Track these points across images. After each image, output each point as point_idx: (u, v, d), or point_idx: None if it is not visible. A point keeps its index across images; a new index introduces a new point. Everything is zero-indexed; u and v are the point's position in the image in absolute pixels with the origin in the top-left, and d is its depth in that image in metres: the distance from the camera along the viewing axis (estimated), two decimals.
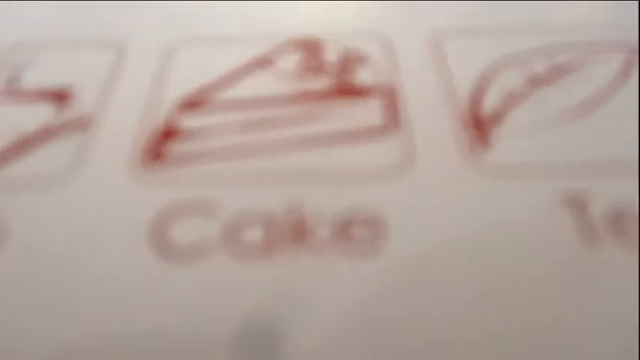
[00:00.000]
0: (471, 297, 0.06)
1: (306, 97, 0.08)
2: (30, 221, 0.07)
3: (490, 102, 0.08)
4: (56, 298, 0.06)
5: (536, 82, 0.08)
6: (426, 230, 0.07)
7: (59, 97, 0.08)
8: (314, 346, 0.06)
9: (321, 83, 0.08)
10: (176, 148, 0.08)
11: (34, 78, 0.09)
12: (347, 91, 0.08)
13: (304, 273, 0.06)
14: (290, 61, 0.09)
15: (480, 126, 0.08)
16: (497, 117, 0.08)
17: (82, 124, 0.08)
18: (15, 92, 0.08)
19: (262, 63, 0.09)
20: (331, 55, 0.09)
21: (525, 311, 0.06)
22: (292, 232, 0.07)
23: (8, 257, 0.07)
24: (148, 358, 0.06)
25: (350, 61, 0.09)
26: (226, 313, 0.06)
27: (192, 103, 0.08)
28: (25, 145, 0.08)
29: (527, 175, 0.07)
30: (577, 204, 0.07)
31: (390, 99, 0.08)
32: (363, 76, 0.09)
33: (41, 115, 0.08)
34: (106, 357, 0.06)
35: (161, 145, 0.08)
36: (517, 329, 0.06)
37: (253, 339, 0.06)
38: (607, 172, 0.07)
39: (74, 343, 0.06)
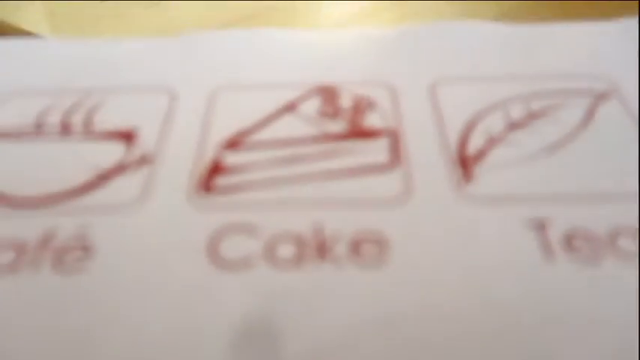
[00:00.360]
0: (458, 297, 0.08)
1: (325, 138, 0.10)
2: (110, 240, 0.09)
3: (474, 143, 0.10)
4: (135, 301, 0.08)
5: (513, 126, 0.10)
6: (422, 247, 0.09)
7: (127, 136, 0.10)
8: (332, 336, 0.08)
9: (337, 126, 0.10)
10: (222, 181, 0.09)
11: (105, 120, 0.11)
12: (359, 133, 0.10)
13: (326, 281, 0.08)
14: (311, 106, 0.11)
15: (465, 163, 0.10)
16: (480, 156, 0.10)
17: (146, 160, 0.10)
18: (90, 132, 0.10)
19: (289, 108, 0.11)
20: (346, 102, 0.11)
21: (500, 311, 0.08)
22: (316, 249, 0.08)
23: (96, 267, 0.08)
24: (208, 350, 0.08)
25: (361, 106, 0.11)
26: (265, 312, 0.08)
27: (233, 143, 0.10)
28: (102, 178, 0.10)
29: (501, 204, 0.09)
30: (539, 227, 0.09)
31: (394, 140, 0.10)
32: (372, 120, 0.10)
33: (114, 152, 0.10)
34: (175, 351, 0.08)
35: (210, 178, 0.09)
36: (496, 327, 0.08)
37: (282, 333, 0.08)
38: (565, 202, 0.09)
39: (149, 340, 0.08)
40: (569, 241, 0.08)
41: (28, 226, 0.09)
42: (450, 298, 0.08)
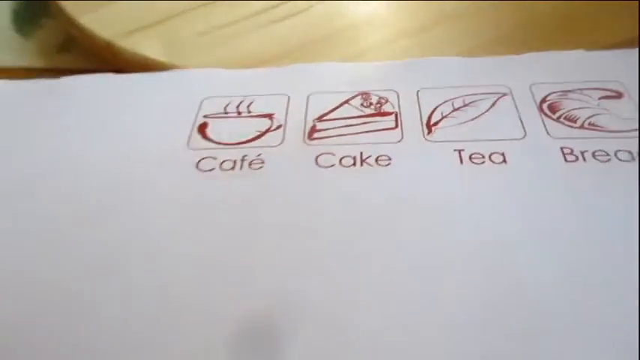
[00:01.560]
0: (421, 184, 0.19)
1: (364, 116, 0.21)
2: (272, 158, 0.20)
3: (434, 117, 0.21)
4: (282, 186, 0.19)
5: (454, 110, 0.21)
6: (404, 160, 0.19)
7: (269, 116, 0.21)
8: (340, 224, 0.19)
9: (370, 110, 0.21)
10: (317, 135, 0.21)
11: (258, 109, 0.22)
12: (380, 114, 0.21)
13: (363, 173, 0.19)
14: (357, 102, 0.22)
15: (429, 126, 0.20)
16: (436, 123, 0.21)
17: (280, 127, 0.21)
18: (251, 114, 0.22)
19: (346, 102, 0.22)
20: (374, 99, 0.22)
21: (434, 195, 0.19)
22: (360, 160, 0.19)
23: (268, 168, 0.20)
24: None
25: (381, 101, 0.22)
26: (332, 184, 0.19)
27: (320, 118, 0.21)
28: (261, 134, 0.21)
29: (442, 144, 0.20)
30: (459, 152, 0.19)
31: (397, 117, 0.21)
32: (387, 108, 0.21)
33: (264, 123, 0.21)
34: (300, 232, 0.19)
35: (312, 134, 0.21)
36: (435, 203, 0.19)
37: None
38: (472, 142, 0.20)
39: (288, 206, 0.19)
40: (471, 157, 0.19)
41: (235, 154, 0.20)
42: (418, 186, 0.19)
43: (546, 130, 0.20)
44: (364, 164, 0.19)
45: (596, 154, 0.19)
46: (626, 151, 0.19)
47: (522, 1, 0.29)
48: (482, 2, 0.29)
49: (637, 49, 0.23)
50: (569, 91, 0.22)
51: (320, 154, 0.20)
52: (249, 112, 0.22)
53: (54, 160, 0.20)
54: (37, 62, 0.32)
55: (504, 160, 0.19)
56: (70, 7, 0.30)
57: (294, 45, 0.28)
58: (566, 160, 0.19)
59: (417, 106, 0.21)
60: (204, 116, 0.22)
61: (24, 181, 0.20)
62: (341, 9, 0.30)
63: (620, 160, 0.19)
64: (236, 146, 0.20)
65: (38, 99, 0.23)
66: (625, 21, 0.27)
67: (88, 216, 0.18)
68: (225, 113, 0.22)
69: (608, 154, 0.19)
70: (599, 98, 0.21)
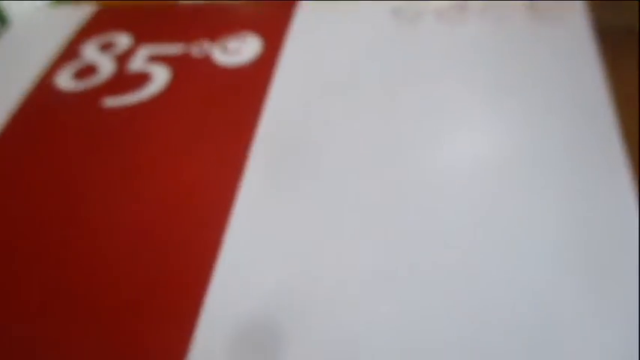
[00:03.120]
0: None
1: (454, 9, 0.56)
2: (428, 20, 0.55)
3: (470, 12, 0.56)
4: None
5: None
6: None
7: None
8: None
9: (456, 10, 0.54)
10: (438, 17, 0.54)
11: (415, 9, 0.57)
12: (464, 7, 0.53)
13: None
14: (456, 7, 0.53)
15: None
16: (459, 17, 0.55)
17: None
18: (413, 14, 0.57)
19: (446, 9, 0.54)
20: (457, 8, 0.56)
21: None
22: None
23: (422, 27, 0.55)
24: None
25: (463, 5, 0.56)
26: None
27: (439, 10, 0.55)
28: (416, 16, 0.56)
29: (473, 25, 0.55)
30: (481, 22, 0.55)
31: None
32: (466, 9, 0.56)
33: (419, 12, 0.57)
34: None
35: (437, 16, 0.55)
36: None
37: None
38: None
39: None
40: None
41: (411, 18, 0.56)
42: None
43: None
44: (454, 26, 0.54)
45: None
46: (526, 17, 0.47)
47: None
48: None
49: None
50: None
51: (440, 18, 0.54)
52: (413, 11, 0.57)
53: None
54: None
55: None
56: None
57: None
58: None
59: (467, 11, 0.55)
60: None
61: None
62: None
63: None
64: (412, 17, 0.55)
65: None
66: None
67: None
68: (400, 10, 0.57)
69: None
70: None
